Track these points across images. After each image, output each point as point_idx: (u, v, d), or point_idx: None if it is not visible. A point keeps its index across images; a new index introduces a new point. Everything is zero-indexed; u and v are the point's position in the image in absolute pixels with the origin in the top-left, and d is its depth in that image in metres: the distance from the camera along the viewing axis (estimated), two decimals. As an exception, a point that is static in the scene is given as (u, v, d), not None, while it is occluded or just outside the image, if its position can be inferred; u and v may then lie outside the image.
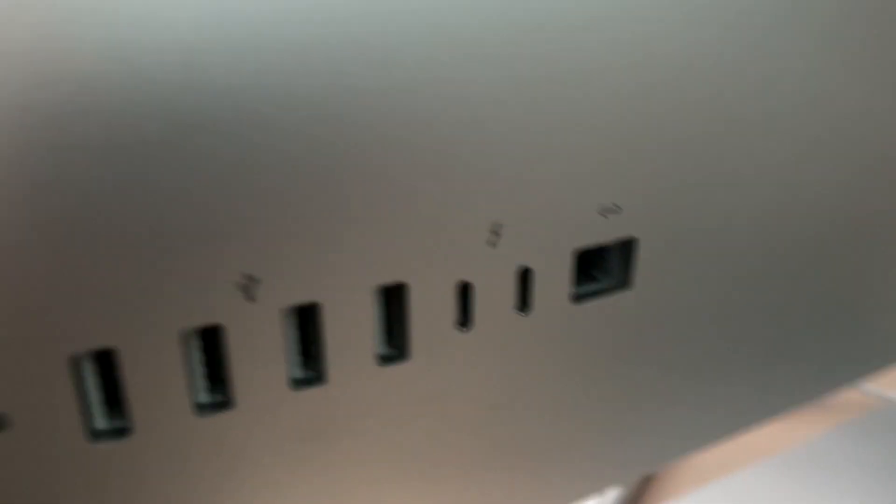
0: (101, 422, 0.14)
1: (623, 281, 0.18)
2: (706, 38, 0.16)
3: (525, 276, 0.17)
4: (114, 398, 0.14)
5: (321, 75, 0.13)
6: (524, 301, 0.17)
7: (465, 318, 0.16)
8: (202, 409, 0.14)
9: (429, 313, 0.16)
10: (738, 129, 0.18)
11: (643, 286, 0.18)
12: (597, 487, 0.21)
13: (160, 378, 0.14)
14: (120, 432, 0.14)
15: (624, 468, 0.21)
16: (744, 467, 0.46)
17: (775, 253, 0.20)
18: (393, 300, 0.16)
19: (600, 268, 0.19)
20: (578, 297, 0.18)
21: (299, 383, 0.15)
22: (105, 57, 0.11)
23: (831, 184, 0.20)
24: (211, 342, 0.15)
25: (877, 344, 0.26)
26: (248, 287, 0.14)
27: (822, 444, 0.47)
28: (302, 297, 0.14)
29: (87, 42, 0.11)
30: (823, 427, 0.49)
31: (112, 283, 0.13)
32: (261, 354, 0.14)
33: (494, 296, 0.16)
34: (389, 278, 0.15)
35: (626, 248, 0.18)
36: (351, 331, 0.15)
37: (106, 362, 0.14)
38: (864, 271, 0.23)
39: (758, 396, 0.23)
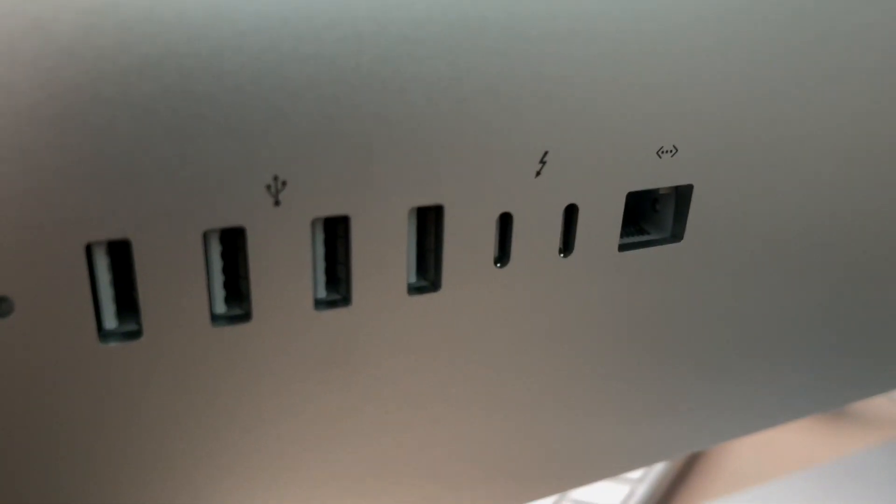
0: (110, 321, 0.13)
1: (674, 233, 0.17)
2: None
3: (571, 215, 0.16)
4: (126, 301, 0.13)
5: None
6: (567, 242, 0.16)
7: (502, 253, 0.15)
8: (217, 319, 0.14)
9: (465, 243, 0.15)
10: (811, 91, 0.17)
11: (694, 241, 0.17)
12: (626, 464, 0.20)
13: (176, 279, 0.13)
14: (129, 335, 0.13)
15: (654, 443, 0.20)
16: (778, 477, 0.44)
17: (834, 232, 0.19)
18: (428, 225, 0.15)
19: (651, 222, 0.18)
20: (625, 247, 0.17)
21: (322, 304, 0.14)
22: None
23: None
24: (233, 250, 0.14)
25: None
26: (276, 189, 0.13)
27: (860, 459, 0.45)
28: (332, 209, 0.13)
29: None
30: (864, 442, 0.47)
31: (136, 168, 0.12)
32: (283, 266, 0.13)
33: (537, 232, 0.15)
34: (427, 199, 0.14)
35: (680, 197, 0.17)
36: (381, 252, 0.14)
37: (120, 262, 0.13)
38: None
39: (801, 385, 0.21)
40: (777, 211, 0.18)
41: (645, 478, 0.40)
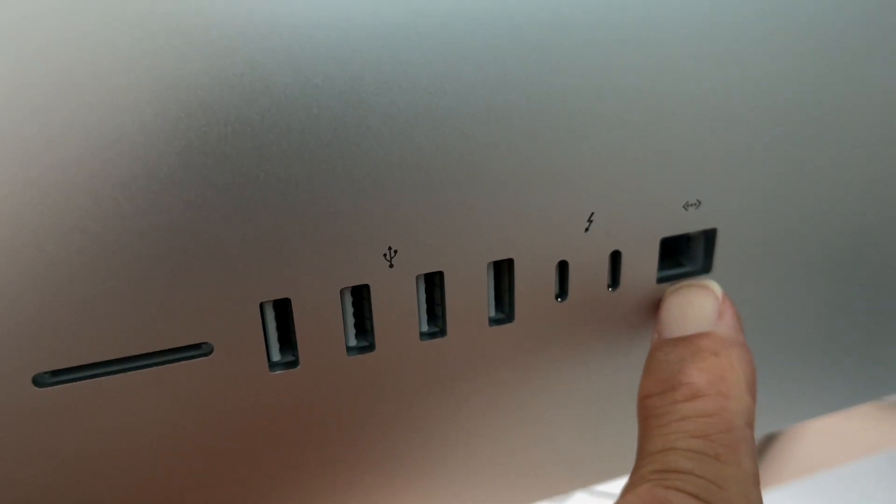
0: (276, 355, 0.18)
1: (704, 266, 0.21)
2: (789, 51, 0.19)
3: (616, 259, 0.20)
4: (286, 339, 0.18)
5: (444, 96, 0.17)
6: (614, 279, 0.20)
7: (562, 291, 0.20)
8: (350, 350, 0.19)
9: (531, 285, 0.19)
10: (816, 135, 0.20)
11: (722, 271, 0.21)
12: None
13: (322, 323, 0.18)
14: (289, 364, 0.18)
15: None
16: (844, 463, 0.46)
17: (847, 249, 0.22)
18: (503, 273, 0.19)
19: (686, 254, 0.22)
20: (663, 279, 0.21)
21: (425, 336, 0.19)
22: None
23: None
24: (359, 299, 0.19)
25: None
26: (390, 256, 0.18)
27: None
28: (430, 267, 0.18)
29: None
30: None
31: (292, 249, 0.17)
32: (397, 310, 0.18)
33: (588, 274, 0.20)
34: (500, 255, 0.19)
35: (707, 237, 0.21)
36: (468, 296, 0.19)
37: (282, 311, 0.18)
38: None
39: (826, 385, 0.25)
40: (793, 239, 0.22)
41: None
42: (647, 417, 0.18)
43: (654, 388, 0.19)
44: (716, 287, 0.20)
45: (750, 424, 0.18)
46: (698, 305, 0.20)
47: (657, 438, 0.17)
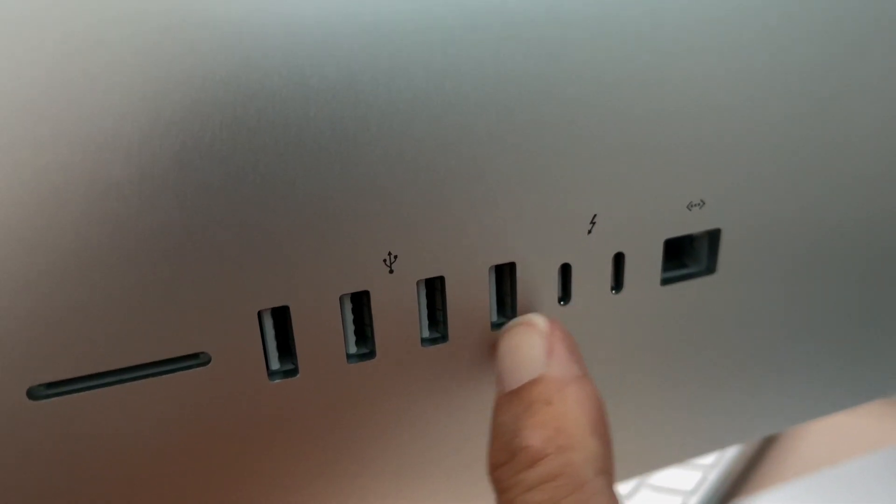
0: (275, 364, 0.18)
1: (709, 267, 0.21)
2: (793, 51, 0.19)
3: (619, 261, 0.20)
4: (285, 347, 0.18)
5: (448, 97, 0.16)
6: (618, 282, 0.20)
7: (565, 294, 0.19)
8: (351, 358, 0.18)
9: (534, 289, 0.19)
10: (819, 135, 0.20)
11: (727, 272, 0.21)
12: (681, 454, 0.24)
13: (321, 330, 0.17)
14: (288, 373, 0.18)
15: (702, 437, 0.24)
16: (848, 460, 0.46)
17: (850, 250, 0.22)
18: (505, 277, 0.19)
19: (690, 255, 0.21)
20: (667, 280, 0.20)
21: (427, 342, 0.19)
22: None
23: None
24: (359, 306, 0.18)
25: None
26: (390, 262, 0.17)
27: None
28: (431, 272, 0.18)
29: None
30: (936, 425, 0.48)
31: (290, 254, 0.16)
32: (398, 316, 0.18)
33: (591, 276, 0.19)
34: (502, 259, 0.18)
35: (711, 238, 0.20)
36: (470, 300, 0.18)
37: (281, 319, 0.18)
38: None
39: (831, 384, 0.25)
40: (797, 238, 0.21)
41: (717, 463, 0.44)
42: (499, 493, 0.17)
43: (499, 458, 0.17)
44: (540, 321, 0.18)
45: (602, 471, 0.17)
46: (526, 348, 0.18)
47: None
